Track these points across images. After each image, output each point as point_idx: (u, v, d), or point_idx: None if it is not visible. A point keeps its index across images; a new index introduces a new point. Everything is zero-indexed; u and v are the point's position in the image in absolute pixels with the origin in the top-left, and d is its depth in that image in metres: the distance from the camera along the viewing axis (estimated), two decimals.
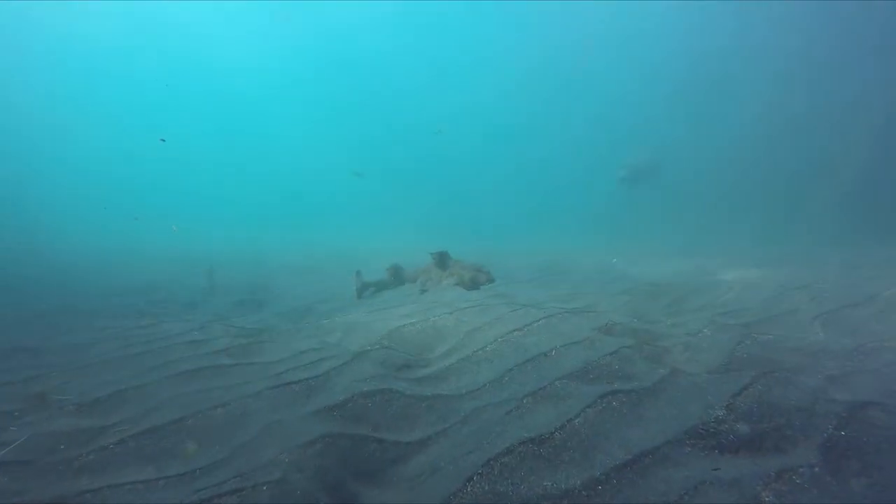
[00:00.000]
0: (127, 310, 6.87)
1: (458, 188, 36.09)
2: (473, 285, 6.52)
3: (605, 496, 2.16)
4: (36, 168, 38.57)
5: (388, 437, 2.80)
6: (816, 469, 2.21)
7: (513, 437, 2.56)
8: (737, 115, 24.39)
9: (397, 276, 7.29)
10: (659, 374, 3.23)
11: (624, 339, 3.97)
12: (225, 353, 4.22)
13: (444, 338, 4.39)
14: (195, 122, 48.92)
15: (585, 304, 5.60)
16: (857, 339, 3.94)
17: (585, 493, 2.17)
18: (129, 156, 44.55)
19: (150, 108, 48.08)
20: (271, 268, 11.60)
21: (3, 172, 33.44)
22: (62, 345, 4.71)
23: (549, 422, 2.70)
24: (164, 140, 45.51)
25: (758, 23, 24.28)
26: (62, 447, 2.81)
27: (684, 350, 3.82)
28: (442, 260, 6.96)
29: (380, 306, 5.89)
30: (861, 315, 4.63)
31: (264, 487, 2.24)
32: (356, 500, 2.29)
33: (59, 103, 44.22)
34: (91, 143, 45.03)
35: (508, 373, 3.44)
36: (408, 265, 7.56)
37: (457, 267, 6.80)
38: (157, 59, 43.10)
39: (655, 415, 2.76)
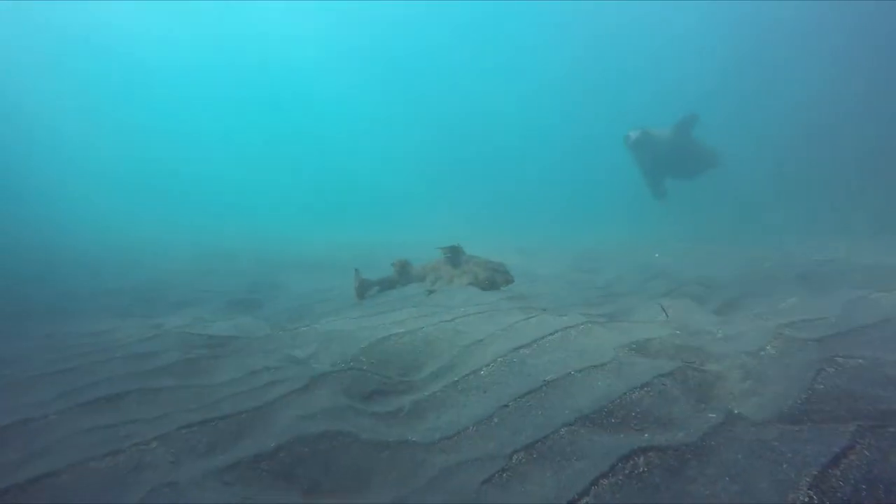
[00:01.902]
0: (106, 311, 6.27)
1: (505, 183, 34.87)
2: (489, 286, 5.64)
3: None
4: (68, 157, 38.86)
5: None
6: None
7: None
8: (790, 96, 22.49)
9: (405, 274, 6.46)
10: (709, 422, 2.31)
11: (662, 361, 3.04)
12: (167, 372, 3.47)
13: (434, 354, 3.55)
14: (252, 115, 48.84)
15: (617, 310, 4.66)
16: None
17: None
18: (174, 145, 44.89)
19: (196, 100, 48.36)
20: (284, 263, 10.93)
21: (33, 162, 33.81)
22: None
23: (543, 500, 1.83)
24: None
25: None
26: None
27: (743, 378, 2.87)
28: (454, 256, 6.10)
29: (374, 310, 5.08)
30: None
31: None
32: None
33: (102, 96, 44.74)
34: (134, 132, 45.32)
35: (502, 410, 2.57)
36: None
37: (471, 264, 5.93)
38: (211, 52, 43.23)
39: (705, 492, 1.86)
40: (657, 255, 9.23)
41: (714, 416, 2.37)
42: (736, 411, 2.45)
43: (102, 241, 16.41)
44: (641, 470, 1.98)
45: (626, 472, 1.97)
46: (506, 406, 2.60)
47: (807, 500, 1.73)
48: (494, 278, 5.67)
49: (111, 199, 29.32)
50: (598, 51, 37.03)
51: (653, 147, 12.84)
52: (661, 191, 13.88)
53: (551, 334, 3.47)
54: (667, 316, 3.58)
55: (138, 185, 35.02)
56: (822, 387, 2.60)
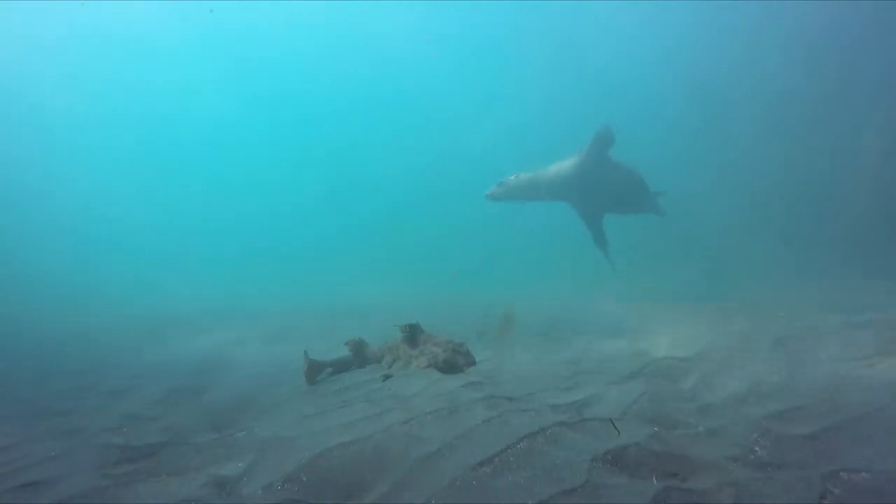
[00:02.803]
0: (17, 412, 5.61)
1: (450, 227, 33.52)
2: (450, 368, 5.21)
3: None
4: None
5: None
6: None
7: None
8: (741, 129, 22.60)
9: (360, 355, 5.99)
10: None
11: (642, 479, 2.64)
12: None
13: (384, 468, 3.08)
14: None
15: (587, 396, 4.27)
16: None
17: None
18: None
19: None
20: (239, 335, 10.30)
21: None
22: None
23: None
24: None
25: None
26: None
27: (735, 500, 2.49)
28: (412, 335, 5.67)
29: (322, 404, 4.60)
30: None
31: None
32: None
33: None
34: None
35: None
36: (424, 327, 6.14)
37: (430, 344, 5.51)
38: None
39: None
40: (622, 313, 8.93)
41: None
42: None
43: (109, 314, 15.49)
44: None
45: None
46: None
47: None
48: (455, 360, 5.25)
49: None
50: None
51: (551, 189, 10.50)
52: (601, 237, 11.10)
53: (517, 443, 3.05)
54: (618, 433, 3.20)
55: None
56: None
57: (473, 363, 5.34)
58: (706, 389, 4.23)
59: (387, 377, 5.32)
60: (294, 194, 41.99)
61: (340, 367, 6.05)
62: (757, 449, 2.93)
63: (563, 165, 10.25)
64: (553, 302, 11.89)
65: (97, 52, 34.86)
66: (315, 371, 5.90)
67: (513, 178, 10.55)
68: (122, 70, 36.62)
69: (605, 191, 10.36)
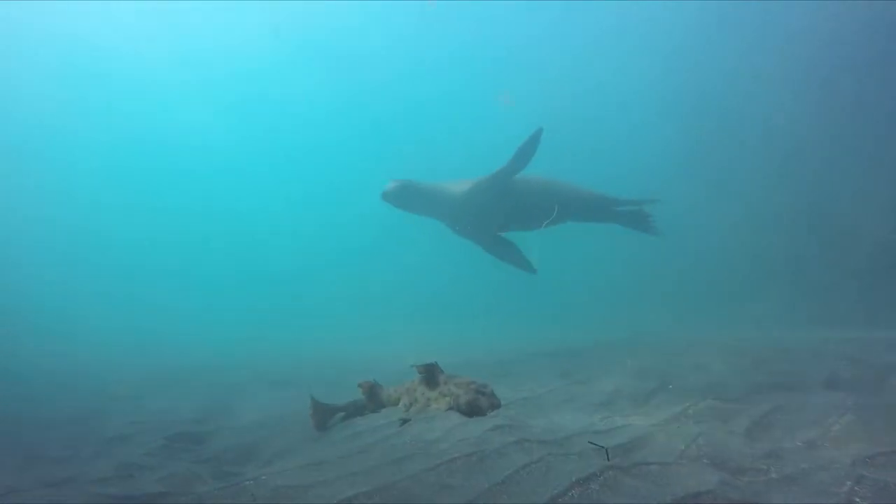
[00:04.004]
0: (11, 457, 5.20)
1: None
2: (473, 411, 4.80)
3: None
4: None
5: None
6: None
7: None
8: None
9: (374, 398, 5.58)
10: None
11: None
12: None
13: None
14: None
15: (631, 440, 3.85)
16: None
17: None
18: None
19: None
20: (240, 380, 9.86)
21: None
22: None
23: None
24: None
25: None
26: None
27: None
28: (431, 376, 5.27)
29: (334, 450, 4.19)
30: None
31: None
32: None
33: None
34: None
35: None
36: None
37: (450, 385, 5.10)
38: None
39: None
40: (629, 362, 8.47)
41: None
42: None
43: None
44: None
45: None
46: None
47: None
48: (478, 402, 4.84)
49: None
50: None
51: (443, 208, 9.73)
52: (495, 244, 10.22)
53: (567, 491, 2.65)
54: (608, 459, 2.84)
55: None
56: None
57: (498, 406, 4.93)
58: (764, 431, 3.82)
59: (404, 421, 4.90)
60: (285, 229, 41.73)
61: (353, 411, 5.63)
62: (857, 500, 2.52)
63: (462, 187, 9.53)
64: (562, 337, 11.43)
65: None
66: (325, 415, 5.49)
67: (419, 182, 9.56)
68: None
69: (503, 211, 9.62)
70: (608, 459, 2.85)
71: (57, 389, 10.02)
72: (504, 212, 9.68)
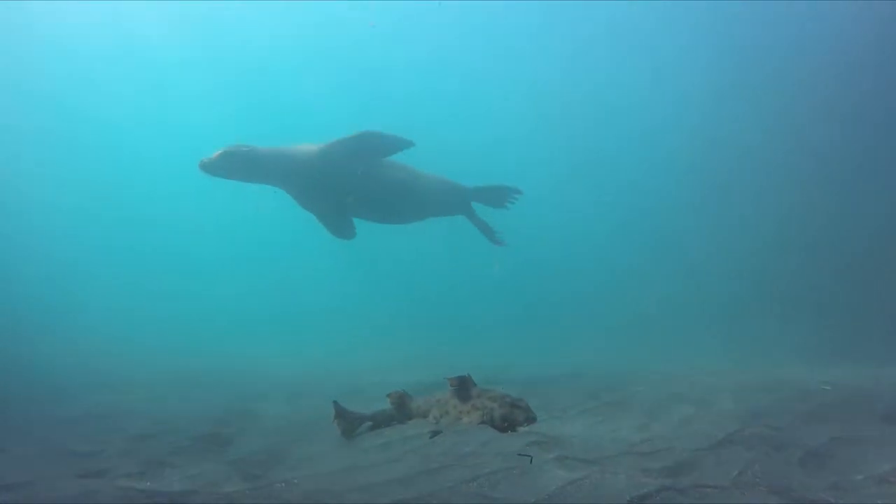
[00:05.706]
0: (38, 453, 5.18)
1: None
2: (508, 426, 4.65)
3: None
4: None
5: None
6: None
7: None
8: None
9: (403, 409, 5.45)
10: None
11: None
12: None
13: None
14: None
15: (678, 463, 3.67)
16: None
17: None
18: None
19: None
20: (261, 388, 9.78)
21: None
22: None
23: None
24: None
25: None
26: None
27: None
28: (463, 389, 5.13)
29: (366, 458, 4.08)
30: None
31: None
32: None
33: None
34: None
35: None
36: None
37: (483, 398, 4.97)
38: None
39: None
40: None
41: None
42: None
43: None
44: None
45: None
46: None
47: None
48: (514, 416, 4.69)
49: None
50: None
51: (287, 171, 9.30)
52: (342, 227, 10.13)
53: None
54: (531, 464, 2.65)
55: None
56: None
57: (534, 420, 4.78)
58: (821, 462, 3.61)
59: (435, 433, 4.77)
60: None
61: (381, 420, 5.51)
62: None
63: (312, 148, 9.17)
64: (587, 356, 11.18)
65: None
66: (352, 423, 5.38)
67: (245, 148, 8.86)
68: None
69: (361, 183, 9.28)
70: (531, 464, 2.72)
71: (78, 389, 10.07)
72: (362, 183, 9.45)
